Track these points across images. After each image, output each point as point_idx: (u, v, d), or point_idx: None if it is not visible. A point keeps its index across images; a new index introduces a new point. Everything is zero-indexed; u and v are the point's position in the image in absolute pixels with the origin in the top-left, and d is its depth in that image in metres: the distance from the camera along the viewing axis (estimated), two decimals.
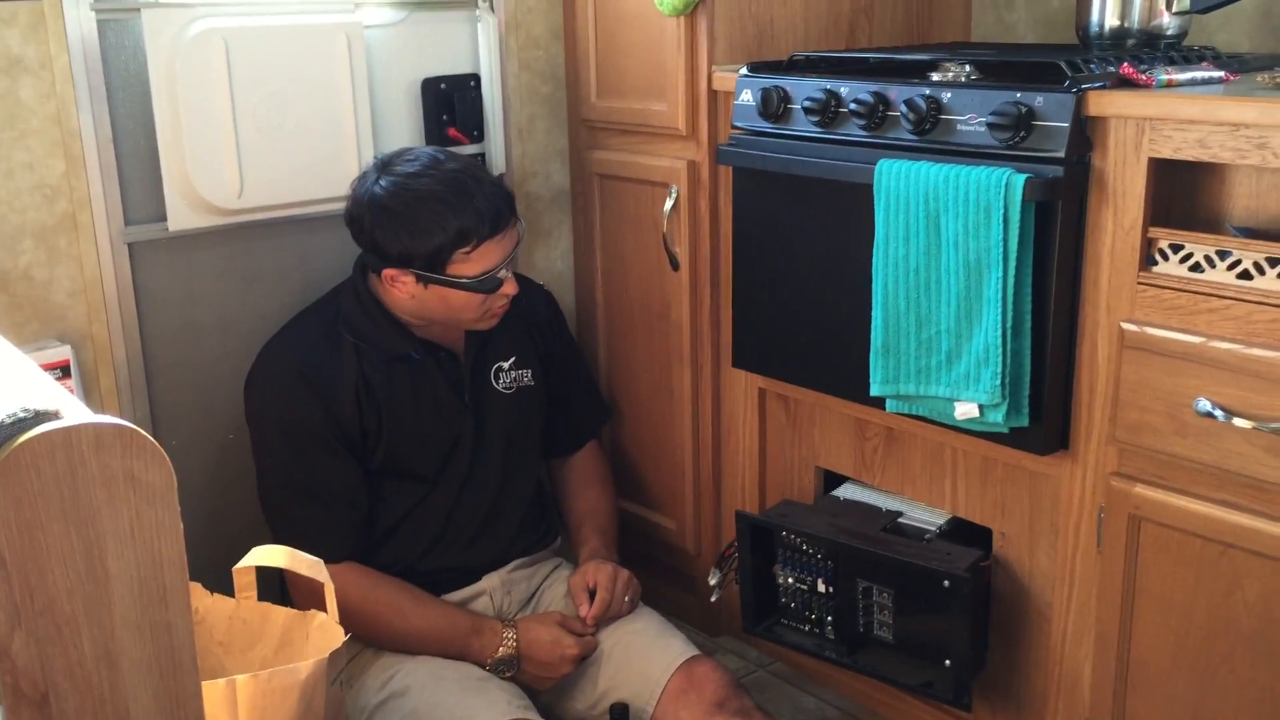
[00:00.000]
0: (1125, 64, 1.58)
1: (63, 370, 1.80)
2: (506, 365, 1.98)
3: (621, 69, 2.16)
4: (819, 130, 1.81)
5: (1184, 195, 1.56)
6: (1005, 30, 2.32)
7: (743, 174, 1.95)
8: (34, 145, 1.77)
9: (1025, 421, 1.63)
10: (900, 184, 1.66)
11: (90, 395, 1.87)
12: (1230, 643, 1.50)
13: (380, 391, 1.85)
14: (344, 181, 2.01)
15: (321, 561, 1.51)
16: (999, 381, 1.60)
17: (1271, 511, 1.44)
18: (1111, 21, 1.87)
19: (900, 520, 1.92)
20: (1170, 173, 1.52)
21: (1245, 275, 1.43)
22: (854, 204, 1.74)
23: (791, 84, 1.85)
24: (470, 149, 2.22)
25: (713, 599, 2.08)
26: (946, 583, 1.73)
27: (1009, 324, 1.59)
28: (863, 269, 1.73)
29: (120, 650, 0.80)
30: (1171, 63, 1.69)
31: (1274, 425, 1.39)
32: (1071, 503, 1.67)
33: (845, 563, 1.85)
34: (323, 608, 1.53)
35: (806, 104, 1.80)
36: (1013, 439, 1.67)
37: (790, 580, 1.93)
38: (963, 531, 1.87)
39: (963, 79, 1.71)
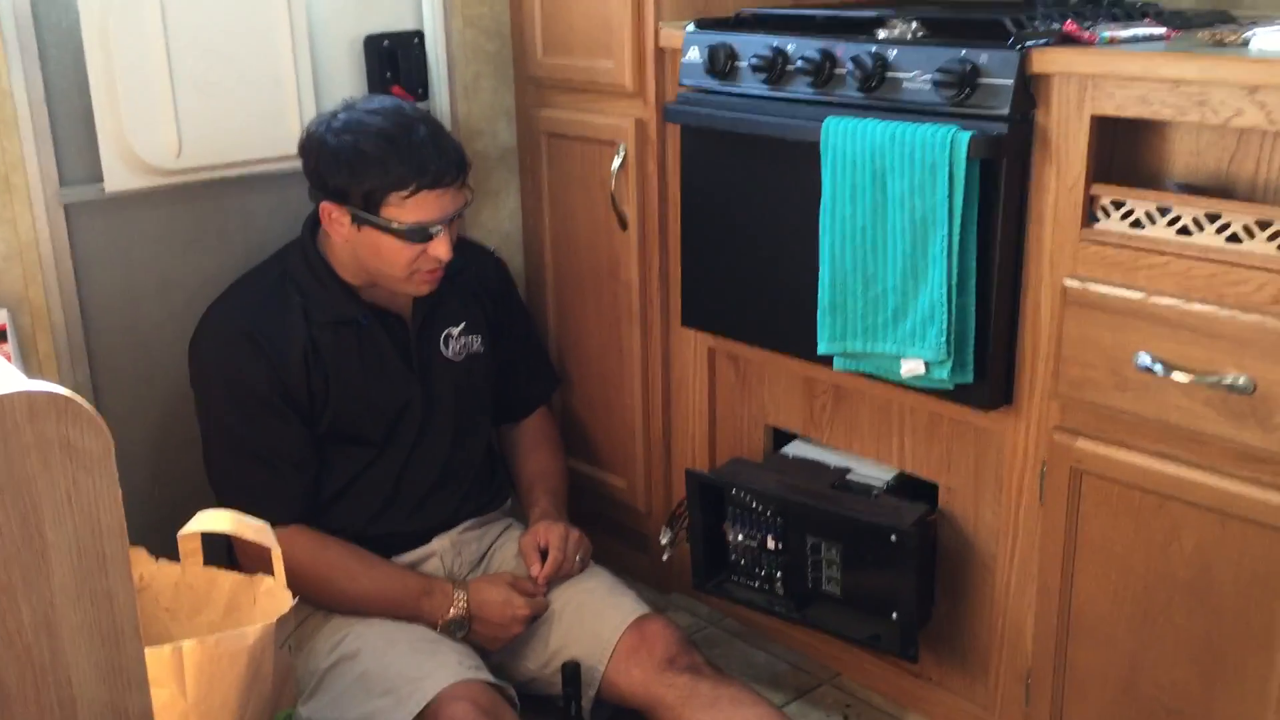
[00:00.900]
0: (1069, 21, 1.59)
1: None
2: (456, 332, 1.97)
3: (568, 25, 2.14)
4: (766, 88, 1.80)
5: (1126, 152, 1.57)
6: None
7: (690, 132, 1.94)
8: None
9: (970, 378, 1.65)
10: (847, 142, 1.66)
11: (29, 360, 1.84)
12: (1168, 592, 1.53)
13: (328, 355, 1.83)
14: (286, 141, 1.98)
15: (268, 526, 1.50)
16: (944, 338, 1.62)
17: (1208, 463, 1.47)
18: None
19: (848, 477, 1.94)
20: (1112, 130, 1.53)
21: (1185, 231, 1.45)
22: (801, 162, 1.74)
23: (739, 41, 1.84)
24: None
25: (664, 558, 2.10)
26: (893, 537, 1.75)
27: (954, 281, 1.60)
28: (810, 227, 1.74)
29: (60, 618, 0.80)
30: (1114, 19, 1.70)
31: (1211, 379, 1.41)
32: (1015, 457, 1.69)
33: (794, 519, 1.87)
34: (270, 572, 1.52)
35: (754, 61, 1.79)
36: (958, 395, 1.69)
37: (740, 537, 1.94)
38: (909, 487, 1.89)
39: (909, 36, 1.71)
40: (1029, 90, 1.54)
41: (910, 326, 1.65)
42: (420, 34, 2.20)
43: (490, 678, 1.74)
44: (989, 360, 1.64)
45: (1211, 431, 1.44)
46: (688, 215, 1.99)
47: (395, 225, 1.77)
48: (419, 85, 2.20)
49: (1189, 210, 1.44)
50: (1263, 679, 1.46)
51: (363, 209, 1.77)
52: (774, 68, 1.78)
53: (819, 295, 1.74)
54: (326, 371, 1.83)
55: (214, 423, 1.85)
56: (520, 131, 2.33)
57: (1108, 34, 1.56)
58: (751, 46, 1.81)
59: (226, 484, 1.84)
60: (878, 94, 1.67)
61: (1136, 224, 1.49)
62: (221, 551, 1.82)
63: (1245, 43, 1.49)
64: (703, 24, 1.93)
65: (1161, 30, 1.62)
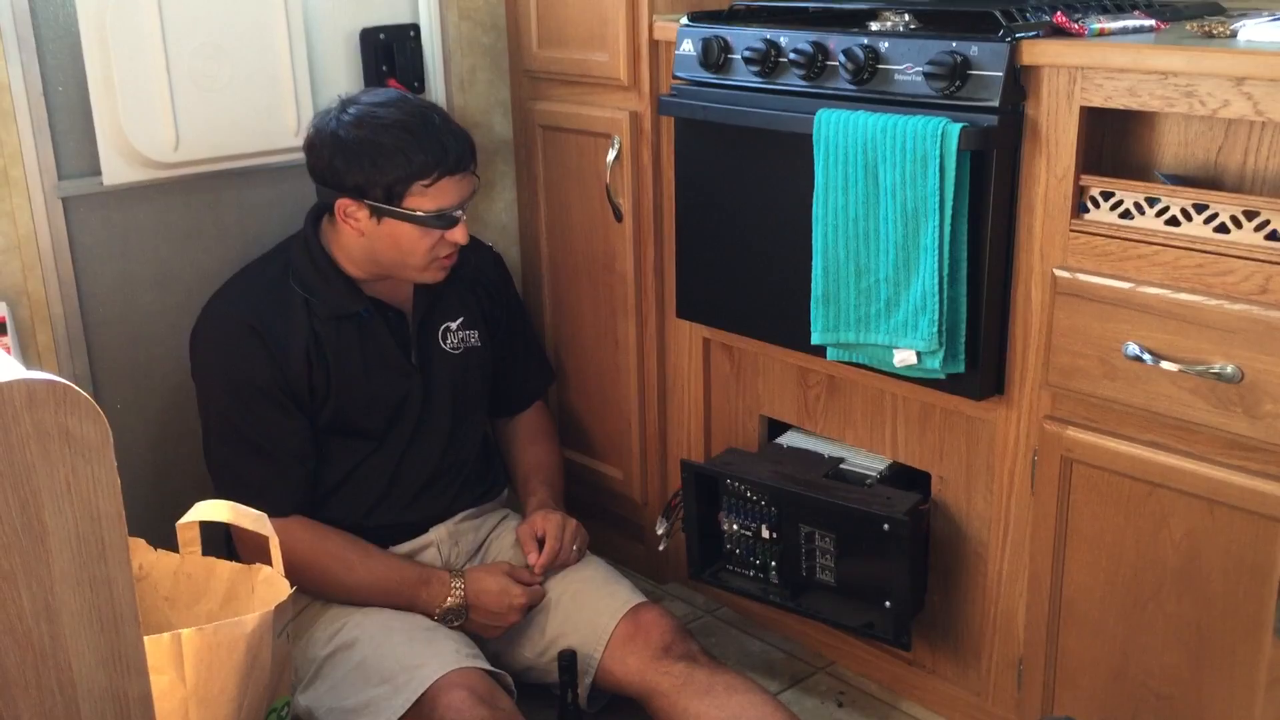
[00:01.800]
0: (1059, 13, 1.60)
1: None
2: (454, 326, 1.98)
3: (562, 18, 2.14)
4: (759, 80, 1.81)
5: (1115, 143, 1.58)
6: None
7: (684, 125, 1.95)
8: None
9: (962, 368, 1.67)
10: (839, 134, 1.67)
11: (28, 352, 1.85)
12: (1158, 579, 1.55)
13: (329, 349, 1.85)
14: (282, 134, 1.99)
15: (265, 516, 1.51)
16: (936, 329, 1.63)
17: (1196, 451, 1.48)
18: None
19: (842, 466, 1.96)
20: (1102, 121, 1.55)
21: (1173, 222, 1.46)
22: (794, 154, 1.75)
23: (732, 34, 1.85)
24: None
25: (660, 548, 2.11)
26: (886, 526, 1.76)
27: (945, 272, 1.61)
28: (803, 219, 1.75)
29: (60, 605, 0.81)
30: (1104, 11, 1.71)
31: (1199, 368, 1.43)
32: (1006, 446, 1.71)
33: (788, 509, 1.88)
34: (268, 561, 1.53)
35: (746, 54, 1.80)
36: (950, 385, 1.70)
37: (735, 527, 1.96)
38: (903, 476, 1.91)
39: (900, 28, 1.72)
40: (1019, 82, 1.56)
41: (902, 317, 1.66)
42: (416, 27, 2.21)
43: (487, 665, 1.75)
44: (980, 350, 1.66)
45: (1199, 420, 1.45)
46: (682, 207, 2.01)
47: (420, 214, 1.78)
48: (415, 78, 2.21)
49: (1177, 201, 1.46)
50: (1251, 664, 1.48)
51: (384, 201, 1.78)
52: (766, 60, 1.79)
53: (812, 286, 1.75)
54: (328, 365, 1.84)
55: (214, 414, 1.86)
56: (516, 124, 2.34)
57: (1097, 26, 1.57)
58: (744, 39, 1.82)
59: (225, 475, 1.85)
60: (869, 86, 1.68)
61: (1125, 214, 1.50)
62: (220, 541, 1.83)
63: (1233, 34, 1.50)
64: (696, 17, 1.94)
65: (1151, 22, 1.63)
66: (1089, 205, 1.54)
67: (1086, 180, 1.54)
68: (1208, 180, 1.52)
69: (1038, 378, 1.63)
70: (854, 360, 1.77)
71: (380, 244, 1.82)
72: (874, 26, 1.74)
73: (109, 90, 1.84)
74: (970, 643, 1.86)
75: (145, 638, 0.87)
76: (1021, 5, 1.66)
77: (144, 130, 1.88)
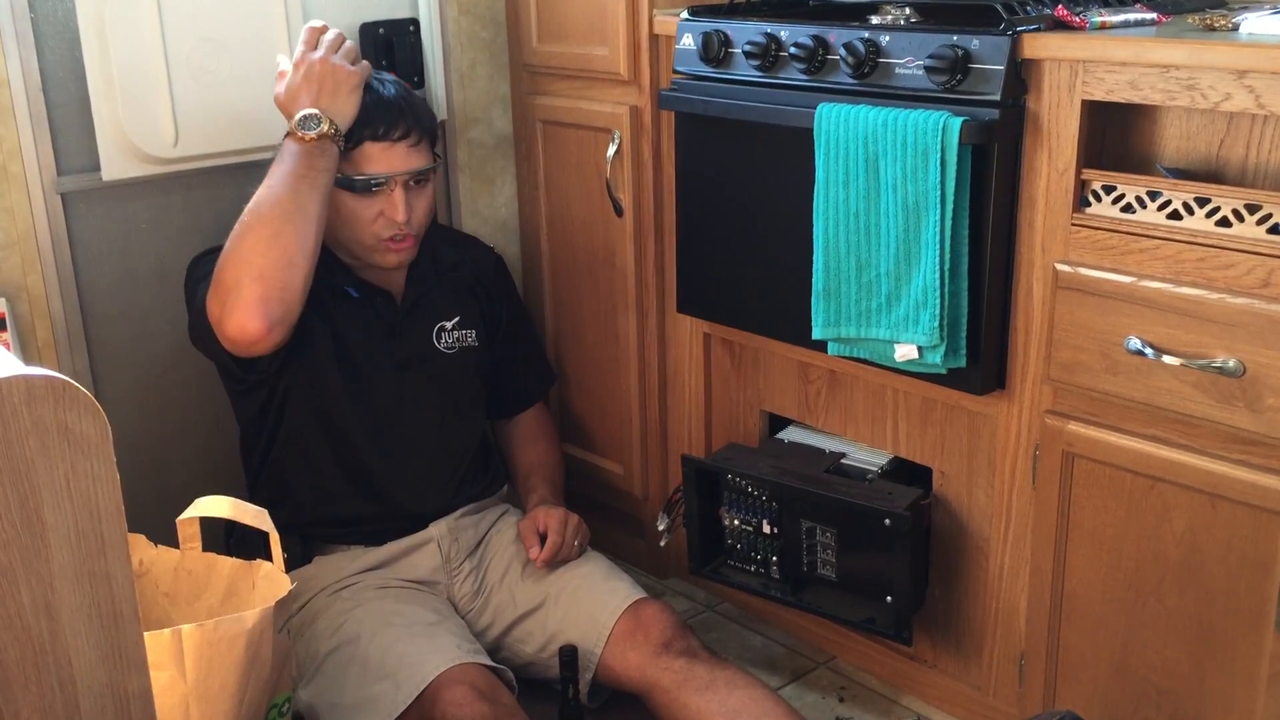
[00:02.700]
0: (1060, 6, 1.60)
1: None
2: (449, 325, 1.98)
3: (562, 13, 2.14)
4: (759, 74, 1.81)
5: (1117, 137, 1.58)
6: None
7: (685, 119, 1.95)
8: None
9: (963, 362, 1.66)
10: (840, 128, 1.67)
11: (27, 348, 1.85)
12: (1159, 573, 1.55)
13: (308, 310, 1.83)
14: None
15: (265, 512, 1.51)
16: (937, 323, 1.63)
17: (1198, 446, 1.48)
18: None
19: (843, 461, 1.95)
20: (1103, 114, 1.54)
21: (1175, 215, 1.46)
22: (795, 148, 1.75)
23: (732, 28, 1.85)
24: None
25: (662, 544, 2.11)
26: (887, 521, 1.76)
27: (947, 266, 1.61)
28: (804, 213, 1.75)
29: (59, 601, 0.81)
30: (1105, 4, 1.71)
31: (1201, 362, 1.43)
32: (1008, 441, 1.71)
33: (789, 504, 1.88)
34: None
35: (747, 48, 1.80)
36: (951, 380, 1.70)
37: (736, 522, 1.95)
38: (904, 471, 1.91)
39: (901, 22, 1.72)
40: (1020, 76, 1.55)
41: (903, 311, 1.66)
42: (416, 21, 2.20)
43: (488, 661, 1.75)
44: (981, 345, 1.65)
45: (1201, 414, 1.45)
46: (682, 202, 2.00)
47: (342, 177, 1.79)
48: (414, 73, 2.20)
49: (1179, 194, 1.45)
50: (1252, 658, 1.48)
51: None
52: (767, 54, 1.79)
53: (813, 281, 1.75)
54: (317, 317, 1.83)
55: (199, 288, 1.80)
56: (516, 119, 2.34)
57: (1099, 19, 1.57)
58: (745, 33, 1.82)
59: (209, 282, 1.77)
60: (870, 80, 1.67)
61: (1127, 208, 1.50)
62: (220, 537, 1.83)
63: (1235, 27, 1.50)
64: (696, 11, 1.94)
65: (1152, 15, 1.63)
66: (1090, 199, 1.54)
67: (1088, 174, 1.53)
68: (1210, 174, 1.52)
69: (1039, 372, 1.63)
70: (855, 355, 1.77)
71: (335, 218, 1.82)
72: (875, 20, 1.74)
73: (108, 86, 1.84)
74: (972, 637, 1.86)
75: (145, 634, 0.87)
76: None
77: (143, 126, 1.88)
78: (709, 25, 1.87)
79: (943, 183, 1.58)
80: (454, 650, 1.73)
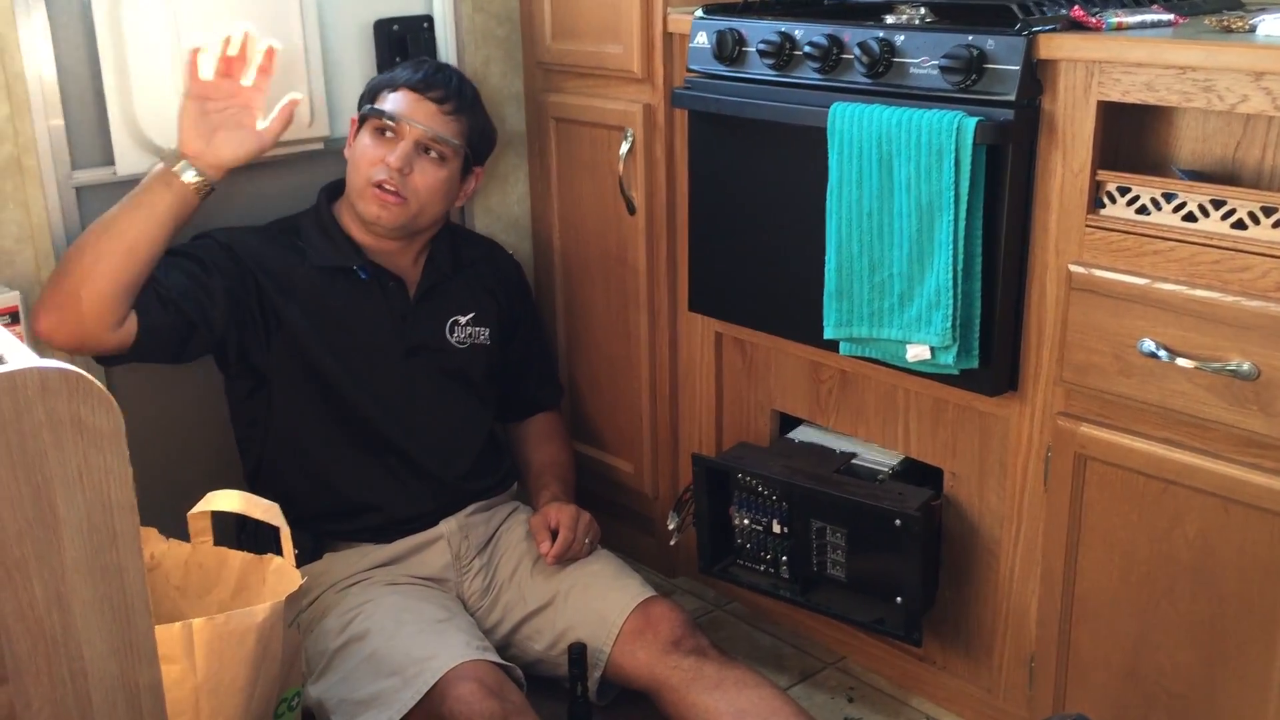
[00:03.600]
0: (1076, 6, 1.59)
1: (11, 316, 1.77)
2: (464, 320, 1.99)
3: (576, 11, 2.14)
4: (774, 73, 1.81)
5: (1132, 138, 1.57)
6: None
7: (698, 117, 1.95)
8: None
9: (975, 363, 1.66)
10: (853, 127, 1.66)
11: (40, 342, 1.85)
12: (1171, 577, 1.54)
13: (309, 290, 1.87)
14: (296, 124, 1.98)
15: (277, 507, 1.52)
16: (950, 324, 1.62)
17: (1211, 449, 1.47)
18: None
19: (854, 461, 1.95)
20: (1119, 116, 1.54)
21: (1190, 218, 1.45)
22: (808, 147, 1.74)
23: (746, 26, 1.84)
24: None
25: (671, 542, 2.11)
26: (898, 522, 1.76)
27: (960, 267, 1.60)
28: (817, 212, 1.74)
29: (71, 593, 0.81)
30: (1122, 5, 1.70)
31: (1215, 365, 1.42)
32: (1020, 442, 1.70)
33: (799, 504, 1.88)
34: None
35: (761, 46, 1.80)
36: (963, 380, 1.70)
37: (746, 521, 1.95)
38: (915, 472, 1.90)
39: (916, 21, 1.71)
40: (1035, 76, 1.55)
41: (916, 312, 1.66)
42: (430, 18, 2.20)
43: (497, 658, 1.75)
44: (994, 346, 1.65)
45: (1215, 417, 1.44)
46: (695, 200, 2.00)
47: (364, 108, 1.91)
48: None
49: (1194, 196, 1.45)
50: (1265, 663, 1.47)
51: (362, 105, 1.93)
52: (781, 53, 1.78)
53: (825, 280, 1.74)
54: (300, 302, 1.85)
55: None
56: (529, 116, 2.34)
57: (1115, 19, 1.56)
58: (759, 32, 1.82)
59: None
60: (885, 79, 1.67)
61: (1142, 210, 1.50)
62: (231, 532, 1.83)
63: (1252, 29, 1.49)
64: (710, 9, 1.94)
65: (1169, 16, 1.62)
66: (1105, 200, 1.53)
67: (1103, 175, 1.53)
68: (1225, 176, 1.51)
69: (1052, 374, 1.62)
70: (867, 355, 1.76)
71: (350, 159, 1.92)
72: (889, 19, 1.74)
73: (122, 79, 1.84)
74: (982, 639, 1.85)
75: (156, 627, 0.87)
76: None
77: (158, 120, 1.88)
78: (723, 24, 1.87)
79: (957, 183, 1.57)
80: (463, 647, 1.73)
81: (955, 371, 1.68)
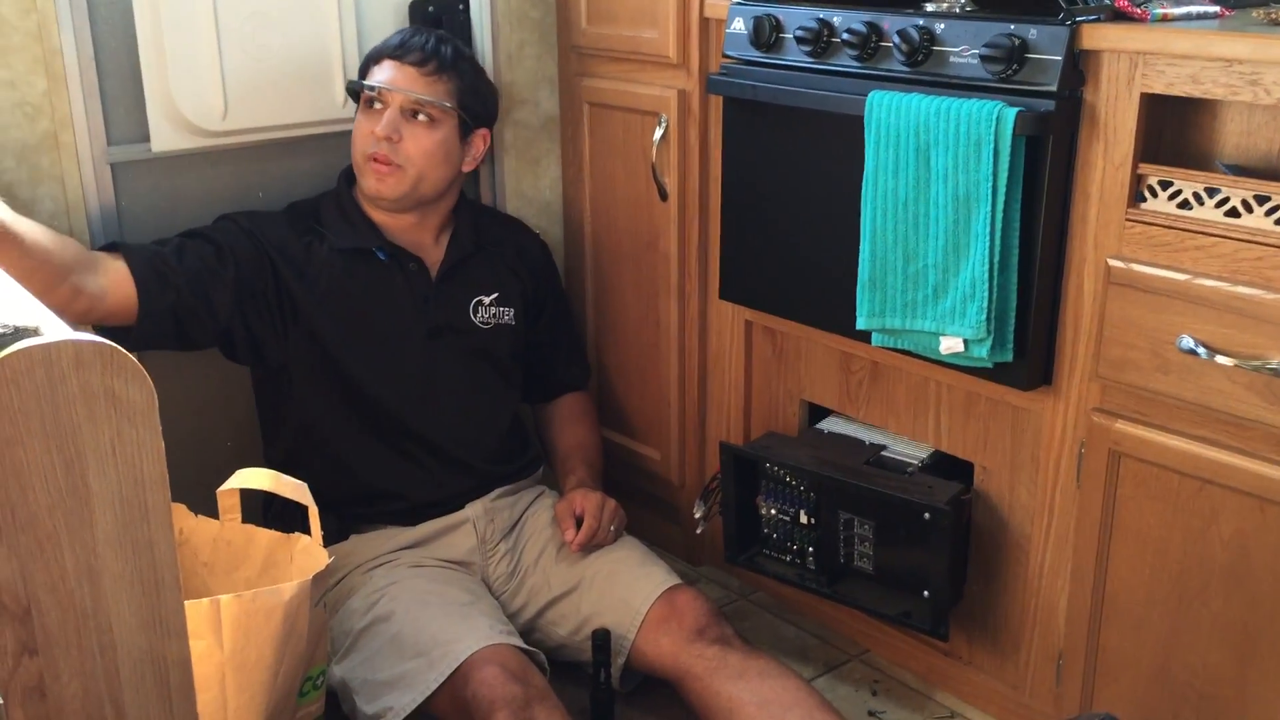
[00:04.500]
0: None
1: None
2: (488, 300, 1.98)
3: None
4: (811, 60, 1.79)
5: (1175, 131, 1.55)
6: None
7: (733, 104, 1.93)
8: (14, 62, 1.74)
9: (1010, 356, 1.64)
10: (891, 116, 1.64)
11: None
12: (1205, 577, 1.52)
13: (327, 273, 1.87)
14: (329, 105, 1.99)
15: (305, 486, 1.52)
16: (984, 316, 1.60)
17: (1249, 448, 1.45)
18: None
19: (883, 453, 1.94)
20: (1162, 108, 1.51)
21: (1233, 213, 1.43)
22: (844, 136, 1.73)
23: (784, 13, 1.83)
24: None
25: (698, 531, 2.10)
26: (927, 515, 1.74)
27: (996, 259, 1.58)
28: (852, 202, 1.73)
29: (102, 566, 0.81)
30: None
31: (1255, 363, 1.40)
32: (1053, 438, 1.68)
33: (827, 495, 1.87)
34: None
35: (799, 33, 1.78)
36: (997, 374, 1.68)
37: (773, 511, 1.94)
38: (944, 465, 1.89)
39: (956, 9, 1.69)
40: (1078, 66, 1.52)
41: (950, 304, 1.64)
42: (465, 0, 2.20)
43: (521, 643, 1.75)
44: (1029, 339, 1.63)
45: (1254, 416, 1.42)
46: (728, 187, 1.99)
47: (352, 82, 1.92)
48: None
49: (1238, 192, 1.42)
50: None
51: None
52: (819, 40, 1.77)
53: (859, 270, 1.73)
54: (319, 287, 1.86)
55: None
56: (563, 100, 2.33)
57: (1160, 11, 1.54)
58: (797, 18, 1.80)
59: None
60: (923, 68, 1.65)
61: (1184, 204, 1.47)
62: (259, 510, 1.84)
63: None
64: None
65: (1215, 8, 1.60)
66: (1146, 194, 1.51)
67: (1144, 169, 1.50)
68: (1270, 172, 1.49)
69: (1087, 369, 1.60)
70: (899, 346, 1.75)
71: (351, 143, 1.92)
72: (929, 8, 1.72)
73: (159, 57, 1.85)
74: (1009, 635, 1.83)
75: (184, 602, 0.87)
76: None
77: (193, 98, 1.89)
78: (761, 9, 1.85)
79: (995, 174, 1.55)
80: (487, 631, 1.73)
81: (989, 365, 1.66)
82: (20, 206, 1.79)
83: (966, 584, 1.86)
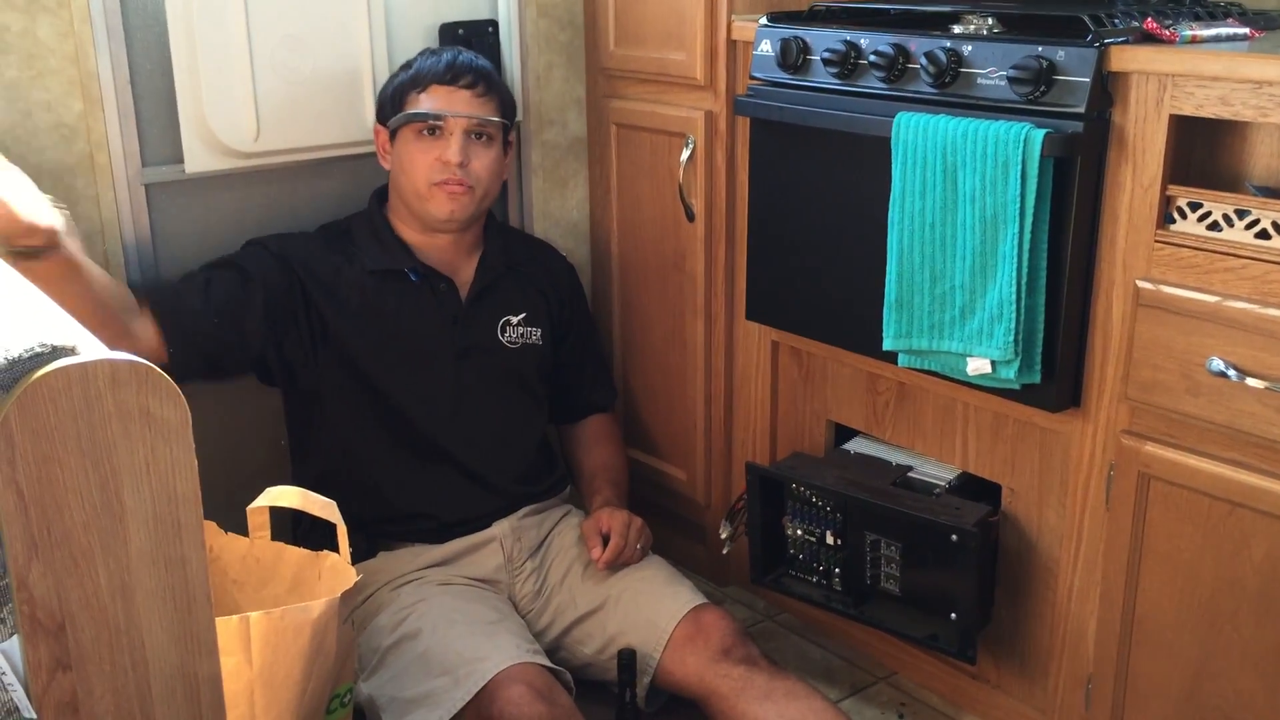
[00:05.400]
0: (1149, 19, 1.56)
1: None
2: (515, 320, 1.99)
3: (640, 17, 2.14)
4: (838, 82, 1.79)
5: (1204, 153, 1.54)
6: None
7: (760, 125, 1.94)
8: (52, 85, 1.77)
9: (1038, 378, 1.63)
10: (918, 137, 1.65)
11: None
12: (1235, 601, 1.51)
13: (358, 294, 1.88)
14: (360, 127, 2.01)
15: (334, 504, 1.53)
16: (1012, 338, 1.60)
17: None
18: None
19: (910, 474, 1.93)
20: (1191, 130, 1.51)
21: (1263, 235, 1.42)
22: (871, 157, 1.73)
23: (811, 35, 1.83)
24: None
25: (724, 551, 2.10)
26: (954, 537, 1.74)
27: (1024, 280, 1.58)
28: (879, 223, 1.73)
29: (135, 583, 0.82)
30: (1196, 18, 1.67)
31: None
32: (1081, 460, 1.67)
33: (854, 516, 1.86)
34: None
35: (826, 55, 1.79)
36: (1024, 395, 1.67)
37: (799, 532, 1.94)
38: (972, 487, 1.88)
39: (984, 31, 1.69)
40: (1106, 88, 1.52)
41: (977, 325, 1.64)
42: (494, 23, 2.22)
43: (547, 662, 1.75)
44: (1057, 361, 1.62)
45: None
46: (755, 208, 1.99)
47: (404, 114, 1.89)
48: None
49: (1268, 214, 1.42)
50: None
51: (391, 115, 1.91)
52: (846, 62, 1.77)
53: (885, 291, 1.73)
54: (350, 308, 1.87)
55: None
56: (590, 121, 2.34)
57: (1189, 33, 1.53)
58: (824, 40, 1.81)
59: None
60: (951, 90, 1.65)
61: (1214, 226, 1.47)
62: (288, 527, 1.85)
63: None
64: (775, 17, 1.93)
65: (1245, 30, 1.59)
66: (1175, 216, 1.50)
67: (1174, 190, 1.50)
68: None
69: (1116, 391, 1.60)
70: (926, 367, 1.74)
71: (397, 169, 1.92)
72: (957, 29, 1.72)
73: (193, 79, 1.87)
74: (1037, 659, 1.82)
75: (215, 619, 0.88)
76: (1110, 10, 1.63)
77: (226, 119, 1.91)
78: (788, 32, 1.86)
79: (1023, 195, 1.55)
80: (513, 649, 1.73)
81: (1016, 386, 1.65)
82: None
83: (995, 606, 1.85)
